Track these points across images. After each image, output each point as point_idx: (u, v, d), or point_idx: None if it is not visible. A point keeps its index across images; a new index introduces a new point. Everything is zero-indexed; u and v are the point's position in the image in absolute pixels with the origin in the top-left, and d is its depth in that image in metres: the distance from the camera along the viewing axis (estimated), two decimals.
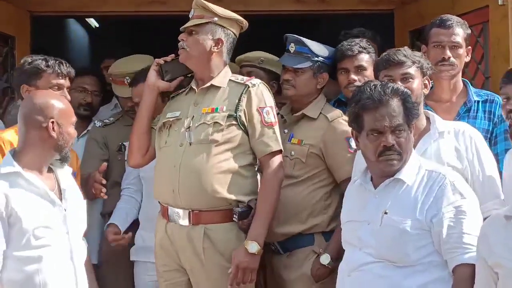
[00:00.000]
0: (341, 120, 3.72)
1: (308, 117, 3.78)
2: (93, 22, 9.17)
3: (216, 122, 3.48)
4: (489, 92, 3.93)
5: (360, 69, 3.87)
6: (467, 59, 3.85)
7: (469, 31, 3.83)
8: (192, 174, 3.43)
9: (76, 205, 3.16)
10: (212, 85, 3.58)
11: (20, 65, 3.69)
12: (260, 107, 3.53)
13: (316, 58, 3.79)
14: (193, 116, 3.54)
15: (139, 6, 5.32)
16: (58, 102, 3.11)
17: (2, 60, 5.01)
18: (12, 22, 5.14)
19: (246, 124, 3.52)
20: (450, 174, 2.91)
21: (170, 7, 5.23)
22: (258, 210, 3.46)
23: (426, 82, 3.35)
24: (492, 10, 4.32)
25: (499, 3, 4.23)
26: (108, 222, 4.07)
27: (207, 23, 3.54)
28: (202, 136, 3.47)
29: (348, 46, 3.91)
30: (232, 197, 3.46)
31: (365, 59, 3.91)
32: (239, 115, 3.50)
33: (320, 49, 3.85)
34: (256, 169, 3.61)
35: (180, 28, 3.58)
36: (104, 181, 3.83)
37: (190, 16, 3.59)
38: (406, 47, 3.53)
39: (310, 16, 6.18)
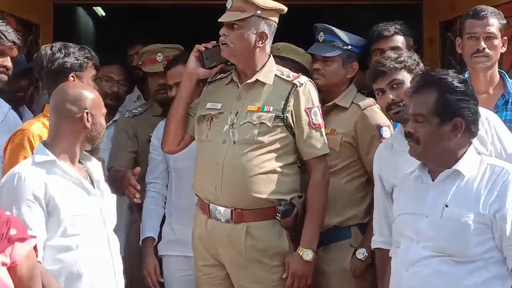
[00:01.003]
0: (375, 109, 3.67)
1: (340, 107, 3.73)
2: (99, 11, 9.10)
3: (263, 123, 3.43)
4: None
5: (396, 50, 3.81)
6: (503, 49, 3.79)
7: (504, 21, 3.76)
8: (236, 173, 3.39)
9: (108, 198, 3.15)
10: (257, 80, 3.50)
11: (64, 53, 3.53)
12: (308, 108, 3.48)
13: (346, 47, 3.76)
14: (237, 112, 3.47)
15: None
16: (90, 93, 3.09)
17: (27, 48, 4.97)
18: (36, 10, 5.14)
19: (292, 125, 3.47)
20: None
21: None
22: (309, 215, 3.45)
23: None
24: None
25: None
26: (145, 236, 3.99)
27: (250, 16, 3.41)
28: (247, 136, 3.42)
29: (385, 27, 3.93)
30: (275, 196, 3.43)
31: (401, 40, 3.93)
32: (286, 116, 3.45)
33: (349, 38, 3.80)
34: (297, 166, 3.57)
35: (220, 20, 3.44)
36: (139, 187, 3.73)
37: (227, 6, 3.46)
38: (389, 52, 3.54)
39: (339, 7, 6.09)
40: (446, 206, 2.80)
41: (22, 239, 2.71)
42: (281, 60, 3.85)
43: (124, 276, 3.49)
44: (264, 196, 3.40)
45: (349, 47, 3.76)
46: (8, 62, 3.64)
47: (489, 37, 3.67)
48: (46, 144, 3.05)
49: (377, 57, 3.81)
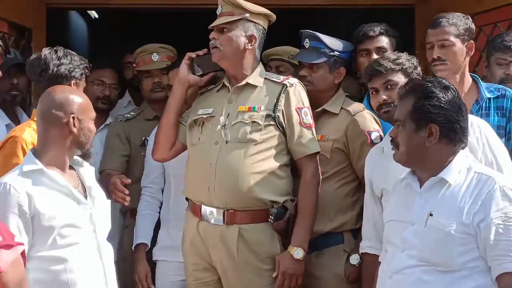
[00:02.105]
0: (364, 114, 3.69)
1: (329, 112, 3.74)
2: (93, 13, 9.08)
3: (254, 122, 3.45)
4: (500, 86, 3.88)
5: (381, 50, 3.89)
6: (470, 53, 3.74)
7: (468, 25, 3.72)
8: (229, 173, 3.39)
9: (101, 204, 3.11)
10: (247, 83, 3.53)
11: (68, 60, 3.52)
12: (298, 108, 3.51)
13: (332, 53, 3.77)
14: (229, 114, 3.49)
15: None
16: (77, 97, 3.05)
17: (20, 52, 4.97)
18: (29, 14, 5.13)
19: (284, 125, 3.48)
20: (500, 178, 2.82)
21: (194, 1, 5.19)
22: (300, 215, 3.45)
23: None
24: None
25: None
26: (138, 242, 3.98)
27: (239, 19, 3.48)
28: (239, 135, 3.43)
29: (370, 28, 3.97)
30: (268, 197, 3.43)
31: (386, 41, 3.97)
32: (278, 115, 3.47)
33: (335, 44, 3.81)
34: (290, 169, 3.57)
35: (210, 26, 3.50)
36: (126, 191, 3.72)
37: (218, 12, 3.53)
38: (389, 52, 3.57)
39: (330, 10, 6.12)
40: (431, 215, 2.78)
41: (9, 246, 2.68)
42: (292, 65, 3.96)
43: (118, 281, 3.50)
44: (257, 195, 3.41)
45: (335, 53, 3.77)
46: None
47: (443, 45, 3.66)
48: (35, 151, 3.01)
49: (364, 58, 3.89)
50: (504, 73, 4.13)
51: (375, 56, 3.82)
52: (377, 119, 3.70)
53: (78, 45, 8.78)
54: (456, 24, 3.69)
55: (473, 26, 3.76)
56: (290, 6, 5.41)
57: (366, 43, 3.93)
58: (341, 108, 3.73)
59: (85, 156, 3.08)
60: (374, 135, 3.60)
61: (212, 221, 3.45)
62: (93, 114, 3.08)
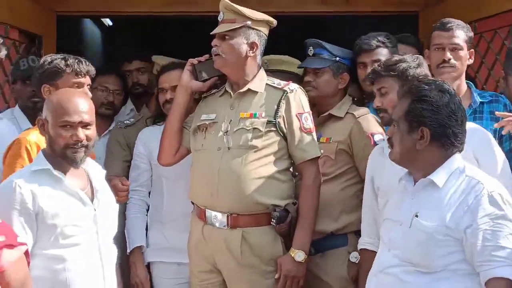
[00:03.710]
0: (368, 117, 3.75)
1: (335, 116, 3.81)
2: (107, 21, 9.15)
3: (256, 128, 3.50)
4: (492, 92, 3.92)
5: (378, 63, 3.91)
6: (470, 61, 3.83)
7: (471, 34, 3.81)
8: (231, 178, 3.45)
9: (107, 206, 3.15)
10: (249, 90, 3.59)
11: (40, 65, 3.66)
12: (299, 113, 3.56)
13: (334, 59, 3.85)
14: (231, 120, 3.55)
15: (164, 6, 5.35)
16: (53, 100, 3.05)
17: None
18: (39, 21, 5.20)
19: (285, 130, 3.54)
20: (489, 183, 2.79)
21: (198, 8, 5.25)
22: (301, 218, 3.50)
23: None
24: None
25: None
26: (135, 246, 3.99)
27: (240, 27, 3.52)
28: (241, 142, 3.49)
29: (366, 41, 3.99)
30: (270, 201, 3.49)
31: (384, 53, 3.97)
32: (278, 121, 3.52)
33: (337, 50, 3.90)
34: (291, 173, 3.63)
35: (211, 33, 3.55)
36: (127, 190, 3.82)
37: (219, 19, 3.56)
38: (394, 56, 3.53)
39: (335, 17, 6.17)
40: (416, 216, 2.79)
41: (11, 246, 2.74)
42: (271, 73, 3.91)
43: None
44: (259, 200, 3.46)
45: (338, 58, 3.85)
46: None
47: (455, 48, 3.72)
48: (46, 152, 3.07)
49: (361, 70, 3.93)
50: None
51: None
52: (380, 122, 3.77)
53: (91, 52, 8.85)
54: (464, 30, 3.76)
55: (472, 35, 3.83)
56: (293, 14, 5.47)
57: (363, 56, 3.96)
58: (347, 112, 3.80)
59: (67, 161, 3.04)
60: (377, 137, 3.64)
61: (217, 225, 3.51)
62: (61, 119, 3.00)
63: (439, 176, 2.82)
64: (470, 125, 3.23)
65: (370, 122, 3.73)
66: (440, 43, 3.73)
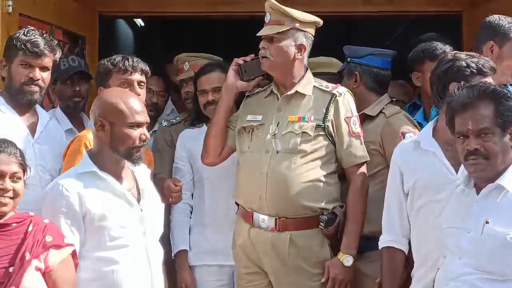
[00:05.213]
0: (400, 116, 3.73)
1: (369, 116, 3.79)
2: (139, 21, 9.18)
3: (305, 132, 3.50)
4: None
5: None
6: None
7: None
8: (280, 182, 3.45)
9: (154, 207, 3.16)
10: (297, 92, 3.57)
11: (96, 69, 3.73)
12: (347, 117, 3.55)
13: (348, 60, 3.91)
14: (278, 123, 3.54)
15: (207, 6, 5.36)
16: (114, 100, 3.03)
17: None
18: (82, 22, 5.23)
19: (333, 134, 3.53)
20: None
21: (241, 8, 5.25)
22: (349, 222, 3.50)
23: None
24: None
25: None
26: (180, 249, 4.00)
27: (289, 29, 3.49)
28: (290, 145, 3.49)
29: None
30: (318, 205, 3.49)
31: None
32: (327, 125, 3.51)
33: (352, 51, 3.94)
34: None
35: (258, 34, 3.53)
36: (180, 192, 3.85)
37: (266, 20, 3.54)
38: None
39: (378, 18, 6.13)
40: (487, 222, 2.73)
41: (58, 246, 2.80)
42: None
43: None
44: (308, 204, 3.46)
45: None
46: (35, 73, 3.49)
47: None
48: (91, 153, 3.08)
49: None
50: None
51: None
52: (413, 120, 3.73)
53: (125, 53, 8.85)
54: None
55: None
56: (339, 14, 5.44)
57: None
58: (380, 111, 3.78)
59: (131, 161, 3.05)
60: (408, 137, 3.57)
61: (264, 227, 3.51)
62: (131, 119, 3.01)
63: (507, 180, 2.76)
64: None
65: (402, 120, 3.69)
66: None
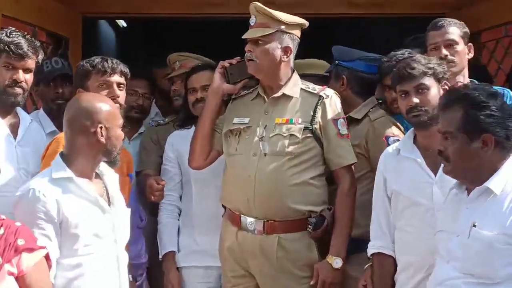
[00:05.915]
0: (385, 120, 3.73)
1: (354, 119, 3.79)
2: (121, 22, 9.15)
3: (292, 135, 3.49)
4: (498, 87, 3.87)
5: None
6: (470, 56, 3.82)
7: (466, 29, 3.82)
8: (268, 185, 3.44)
9: (122, 212, 3.13)
10: (283, 94, 3.56)
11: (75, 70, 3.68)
12: (335, 119, 3.54)
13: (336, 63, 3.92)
14: (266, 126, 3.53)
15: (191, 8, 5.34)
16: (104, 105, 3.03)
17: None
18: (65, 23, 5.21)
19: (321, 136, 3.52)
20: None
21: (226, 10, 5.25)
22: (337, 224, 3.49)
23: (446, 87, 3.30)
24: None
25: None
26: (168, 250, 4.00)
27: (274, 32, 3.48)
28: (278, 148, 3.47)
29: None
30: (306, 208, 3.49)
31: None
32: (315, 128, 3.51)
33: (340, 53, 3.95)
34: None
35: (243, 37, 3.52)
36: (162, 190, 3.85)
37: (251, 23, 3.53)
38: (418, 55, 3.49)
39: (362, 20, 6.16)
40: (474, 225, 2.72)
41: (30, 250, 2.72)
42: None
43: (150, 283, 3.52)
44: (296, 207, 3.45)
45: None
46: (19, 75, 3.44)
47: (450, 44, 3.73)
48: (63, 156, 3.01)
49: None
50: None
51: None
52: (398, 124, 3.73)
53: (107, 54, 8.81)
54: (458, 26, 3.78)
55: (468, 31, 3.83)
56: (323, 16, 5.44)
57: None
58: (366, 114, 3.78)
59: (112, 163, 3.07)
60: (392, 140, 3.60)
61: (252, 230, 3.50)
62: (120, 120, 3.06)
63: (495, 183, 2.75)
64: None
65: (386, 124, 3.70)
66: (435, 42, 3.75)
